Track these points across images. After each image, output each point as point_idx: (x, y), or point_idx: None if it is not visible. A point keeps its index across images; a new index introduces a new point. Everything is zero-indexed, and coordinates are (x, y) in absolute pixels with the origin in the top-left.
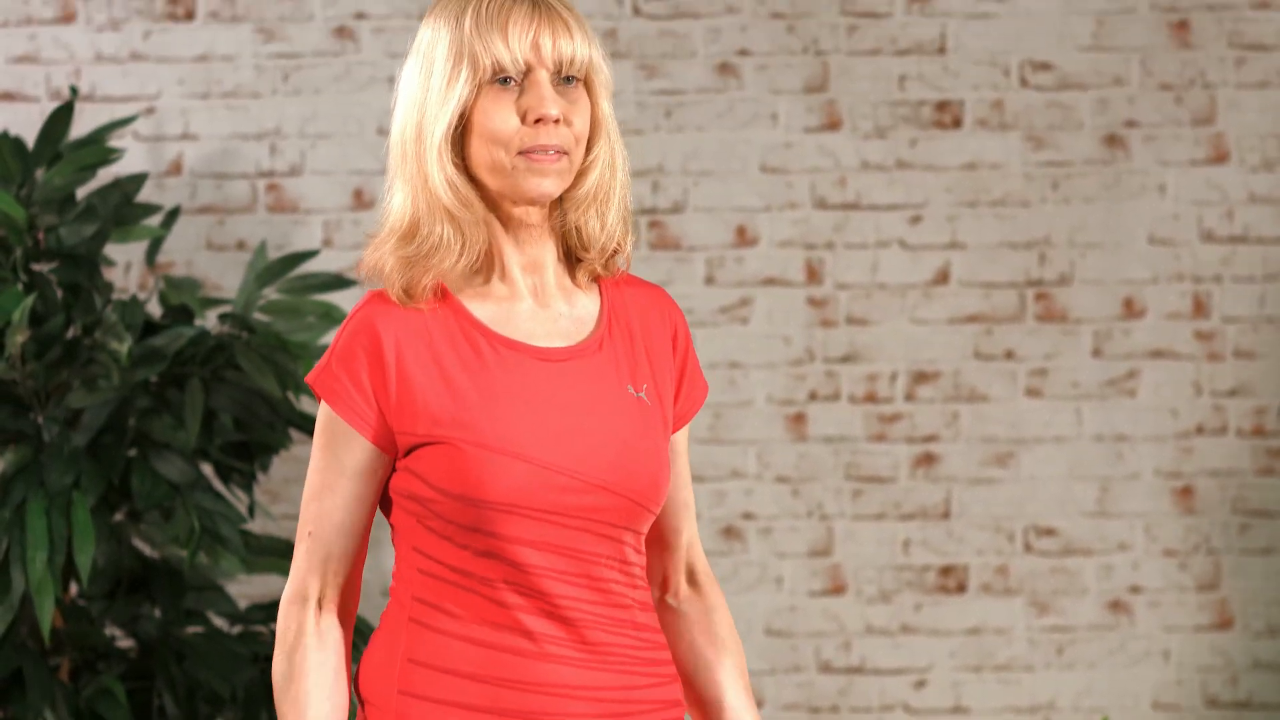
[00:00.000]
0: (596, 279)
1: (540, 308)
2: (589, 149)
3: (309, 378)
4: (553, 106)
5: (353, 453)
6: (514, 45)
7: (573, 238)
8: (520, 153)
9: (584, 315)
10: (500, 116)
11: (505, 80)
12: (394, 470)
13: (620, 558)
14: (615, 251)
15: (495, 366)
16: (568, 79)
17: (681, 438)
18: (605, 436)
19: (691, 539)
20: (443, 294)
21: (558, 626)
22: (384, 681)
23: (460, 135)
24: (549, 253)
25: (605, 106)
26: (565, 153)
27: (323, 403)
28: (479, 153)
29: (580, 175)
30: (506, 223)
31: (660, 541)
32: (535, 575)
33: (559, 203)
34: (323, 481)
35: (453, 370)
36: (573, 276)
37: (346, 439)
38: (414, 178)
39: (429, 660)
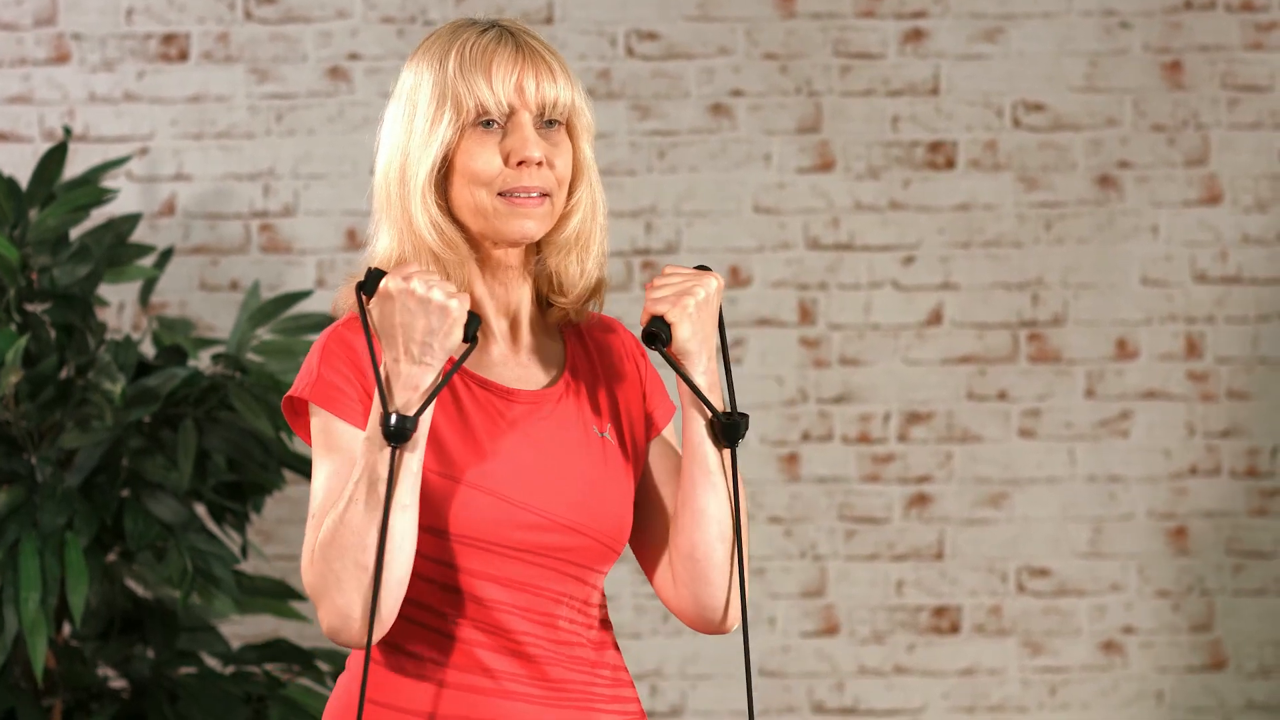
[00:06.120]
0: (565, 322)
1: (511, 352)
2: (570, 192)
3: (293, 394)
4: (535, 148)
5: (354, 441)
6: (497, 87)
7: (547, 281)
8: (501, 194)
9: (551, 359)
10: (483, 158)
11: (488, 122)
12: None
13: (583, 598)
14: (591, 297)
15: (467, 403)
16: (550, 122)
17: (671, 439)
18: (572, 477)
19: None
20: None
21: (518, 664)
22: None
23: (443, 177)
24: (524, 296)
25: (587, 150)
26: (547, 194)
27: (316, 414)
28: (461, 194)
29: (562, 219)
30: (485, 264)
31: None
32: (497, 611)
33: (538, 247)
34: (326, 474)
35: None
36: (543, 319)
37: (343, 430)
38: (398, 220)
39: (390, 701)
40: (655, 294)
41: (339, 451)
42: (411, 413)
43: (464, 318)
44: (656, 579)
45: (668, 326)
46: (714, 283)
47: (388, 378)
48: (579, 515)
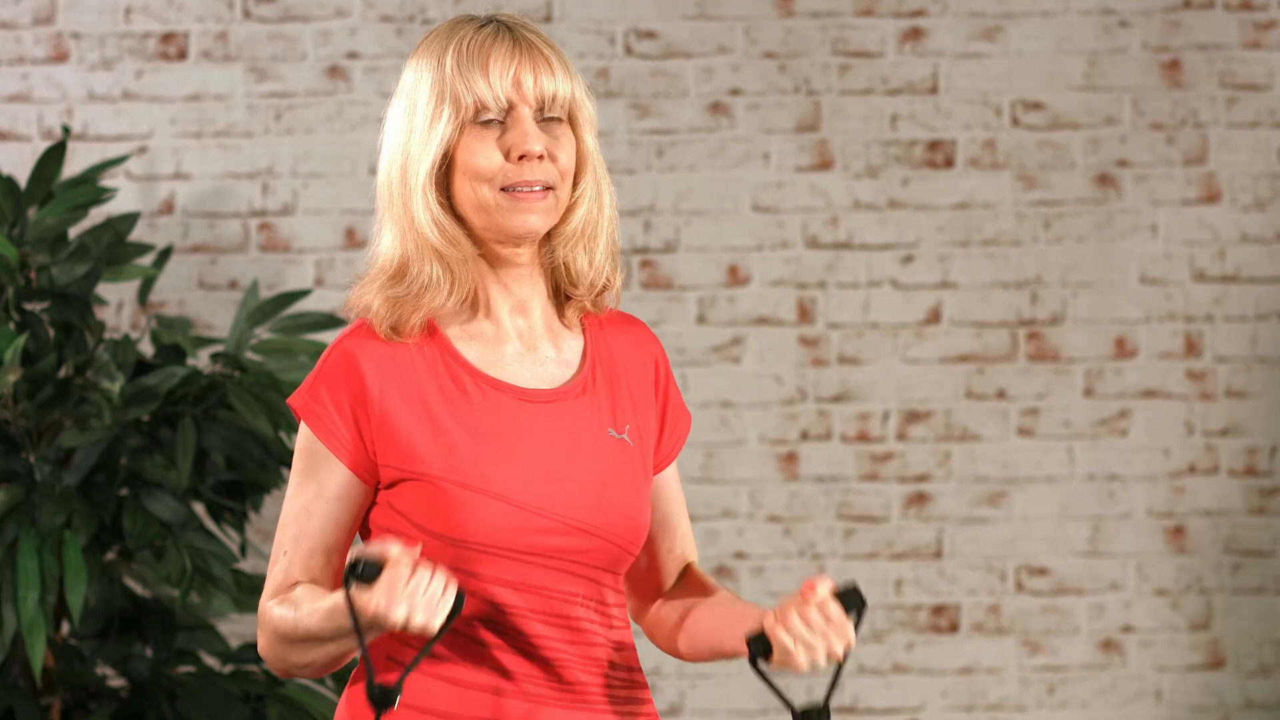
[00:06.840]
0: (584, 316)
1: (526, 350)
2: (575, 184)
3: (291, 399)
4: (535, 143)
5: (333, 477)
6: (495, 83)
7: (561, 275)
8: (503, 189)
9: (568, 357)
10: (483, 154)
11: (488, 119)
12: (375, 503)
13: (598, 598)
14: (604, 288)
15: (480, 406)
16: (551, 116)
17: (671, 471)
18: (586, 479)
19: (686, 556)
20: (431, 330)
21: (536, 666)
22: None
23: (445, 175)
24: (538, 293)
25: (590, 142)
26: (551, 188)
27: (303, 425)
28: (463, 191)
29: (568, 211)
30: (494, 263)
31: (661, 568)
32: (513, 615)
33: (547, 239)
34: (301, 504)
35: (436, 407)
36: (561, 314)
37: (326, 462)
38: (401, 218)
39: (408, 700)
40: (802, 631)
41: (315, 482)
42: (393, 684)
43: (443, 619)
44: (634, 606)
45: (770, 651)
46: (852, 639)
47: (367, 633)
48: (591, 517)
